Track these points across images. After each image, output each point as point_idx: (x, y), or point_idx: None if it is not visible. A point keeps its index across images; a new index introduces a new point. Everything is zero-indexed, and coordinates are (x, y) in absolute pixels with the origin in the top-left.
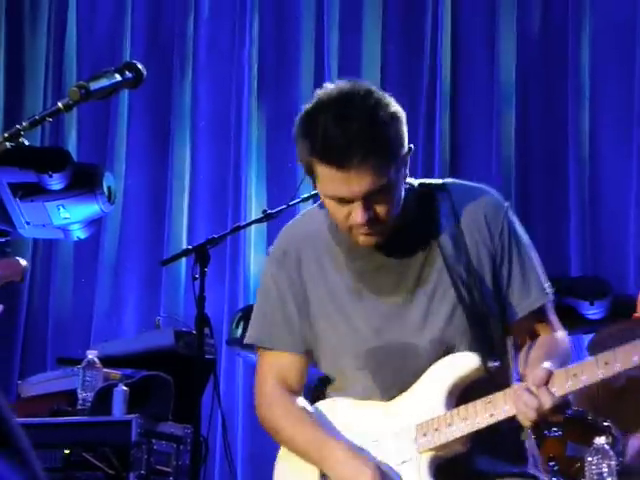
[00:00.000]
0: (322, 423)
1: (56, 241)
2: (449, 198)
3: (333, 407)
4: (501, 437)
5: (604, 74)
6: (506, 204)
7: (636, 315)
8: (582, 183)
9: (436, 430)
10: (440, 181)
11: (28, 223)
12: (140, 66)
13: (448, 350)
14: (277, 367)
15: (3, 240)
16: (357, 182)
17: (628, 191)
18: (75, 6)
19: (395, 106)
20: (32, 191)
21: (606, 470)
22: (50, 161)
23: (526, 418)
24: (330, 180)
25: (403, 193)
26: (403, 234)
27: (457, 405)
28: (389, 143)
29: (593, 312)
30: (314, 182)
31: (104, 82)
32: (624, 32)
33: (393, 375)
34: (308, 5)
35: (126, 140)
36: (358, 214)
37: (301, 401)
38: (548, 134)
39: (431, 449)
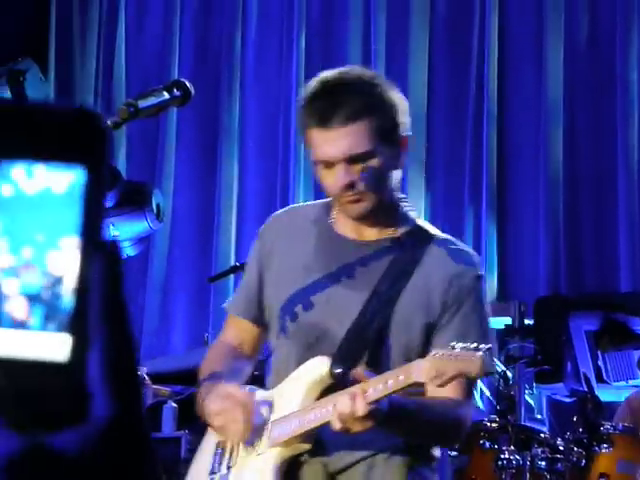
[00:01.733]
0: None
1: None
2: (430, 241)
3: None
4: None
5: None
6: (481, 273)
7: None
8: (631, 200)
9: (281, 427)
10: (435, 230)
11: None
12: (188, 84)
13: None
14: (233, 330)
15: None
16: (339, 142)
17: None
18: (124, 25)
19: (396, 93)
20: None
21: None
22: None
23: (336, 420)
24: (316, 142)
25: (394, 180)
26: (380, 241)
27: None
28: (377, 114)
29: None
30: (310, 153)
31: (152, 100)
32: None
33: (308, 352)
34: (355, 21)
35: (174, 158)
36: (340, 175)
37: (237, 356)
38: (596, 151)
39: (278, 444)
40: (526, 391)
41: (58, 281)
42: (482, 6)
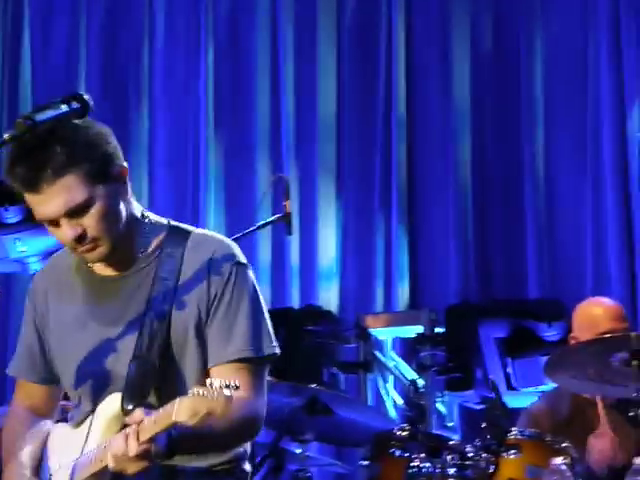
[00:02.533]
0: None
1: (13, 274)
2: (185, 242)
3: (52, 433)
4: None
5: (556, 95)
6: (240, 259)
7: (572, 335)
8: (538, 208)
9: (78, 468)
10: (188, 228)
11: None
12: (86, 97)
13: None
14: (24, 394)
15: None
16: (53, 202)
17: (584, 215)
18: (29, 38)
19: (95, 127)
20: None
21: None
22: (5, 194)
23: (111, 461)
24: (32, 205)
25: (124, 211)
26: (137, 266)
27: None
28: (82, 160)
29: (550, 334)
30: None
31: (50, 113)
32: (575, 54)
33: (97, 402)
34: (263, 34)
35: None
36: (66, 232)
37: (37, 426)
38: (503, 160)
39: None
40: (437, 399)
41: None
42: (388, 15)
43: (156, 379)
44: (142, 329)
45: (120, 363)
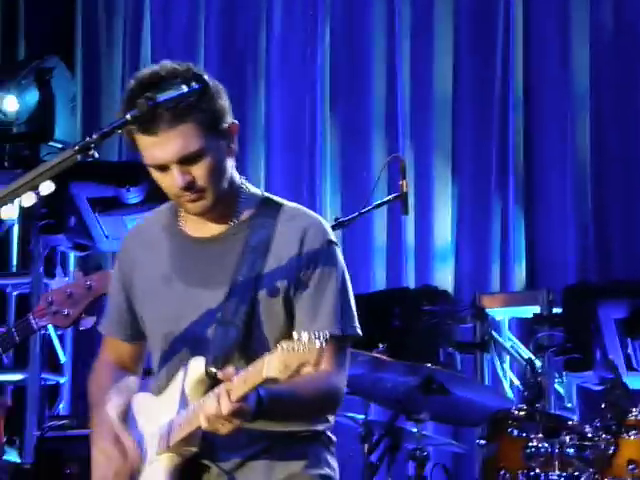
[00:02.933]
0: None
1: None
2: (278, 214)
3: (135, 401)
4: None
5: None
6: (331, 237)
7: None
8: None
9: (166, 432)
10: (282, 201)
11: (107, 237)
12: (206, 77)
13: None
14: (111, 350)
15: (83, 254)
16: (167, 146)
17: None
18: (149, 23)
19: (212, 81)
20: (110, 205)
21: None
22: (127, 175)
23: (204, 422)
24: (145, 147)
25: (229, 170)
26: (228, 232)
27: None
28: (201, 110)
29: None
30: (141, 157)
31: (171, 93)
32: None
33: (180, 364)
34: (379, 13)
35: None
36: (176, 178)
37: (121, 375)
38: (624, 138)
39: (167, 451)
40: (555, 380)
41: None
42: None
43: (240, 344)
44: (230, 294)
45: (203, 325)
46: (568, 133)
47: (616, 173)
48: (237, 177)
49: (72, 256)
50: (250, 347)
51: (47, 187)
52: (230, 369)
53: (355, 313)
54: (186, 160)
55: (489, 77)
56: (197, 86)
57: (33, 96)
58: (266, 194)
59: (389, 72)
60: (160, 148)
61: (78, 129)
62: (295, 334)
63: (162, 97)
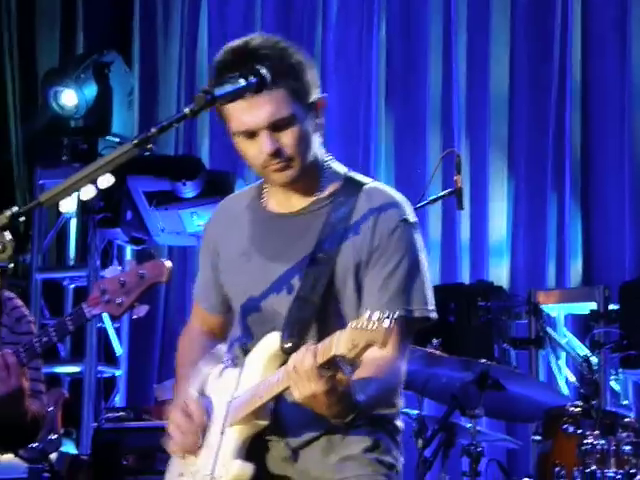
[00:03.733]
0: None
1: (190, 248)
2: (359, 192)
3: (211, 373)
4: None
5: None
6: (408, 217)
7: None
8: None
9: (239, 404)
10: (365, 179)
11: (163, 230)
12: (264, 71)
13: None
14: (199, 318)
15: (139, 248)
16: (258, 111)
17: None
18: (207, 15)
19: (304, 56)
20: (166, 199)
21: None
22: (183, 169)
23: (294, 386)
24: (234, 113)
25: (315, 143)
26: (310, 208)
27: None
28: (291, 77)
29: None
30: (228, 128)
31: (228, 87)
32: None
33: (253, 337)
34: (436, 7)
35: None
36: (265, 144)
37: (208, 343)
38: None
39: (237, 423)
40: (612, 377)
41: None
42: None
43: (316, 320)
44: (308, 270)
45: (280, 299)
46: (626, 129)
47: None
48: (323, 153)
49: (128, 249)
50: (325, 324)
51: (106, 180)
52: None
53: (430, 295)
54: (275, 126)
55: (546, 73)
56: (253, 81)
57: (91, 90)
58: (351, 172)
59: (445, 66)
60: (250, 113)
61: (135, 123)
62: (365, 313)
63: (220, 91)
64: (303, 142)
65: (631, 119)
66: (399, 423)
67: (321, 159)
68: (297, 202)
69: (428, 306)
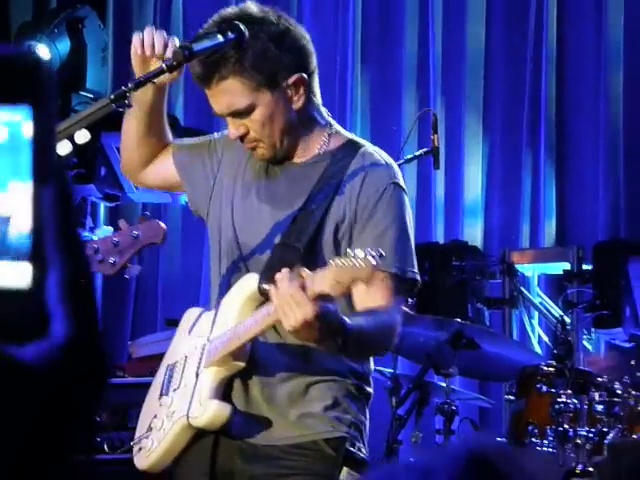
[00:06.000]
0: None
1: (164, 205)
2: (356, 152)
3: (186, 316)
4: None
5: None
6: (399, 181)
7: None
8: None
9: (216, 344)
10: (364, 143)
11: (137, 188)
12: (242, 27)
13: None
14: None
15: (113, 204)
16: (218, 100)
17: None
18: None
19: (288, 31)
20: None
21: None
22: None
23: (285, 314)
24: (209, 98)
25: (292, 118)
26: (309, 160)
27: None
28: (253, 66)
29: None
30: None
31: (206, 43)
32: None
33: (234, 275)
34: None
35: None
36: (230, 129)
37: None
38: None
39: (214, 364)
40: (584, 336)
41: (6, 220)
42: None
43: (297, 265)
44: (297, 218)
45: (264, 242)
46: (601, 90)
47: None
48: (322, 117)
49: (102, 206)
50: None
51: (82, 136)
52: (287, 271)
53: (415, 259)
54: (236, 114)
55: (522, 31)
56: (232, 36)
57: (65, 45)
58: (353, 136)
59: (421, 27)
60: (213, 102)
61: (109, 79)
62: (349, 250)
63: (198, 47)
64: (268, 125)
65: (606, 81)
66: (366, 387)
67: (313, 123)
68: (297, 156)
69: (416, 269)
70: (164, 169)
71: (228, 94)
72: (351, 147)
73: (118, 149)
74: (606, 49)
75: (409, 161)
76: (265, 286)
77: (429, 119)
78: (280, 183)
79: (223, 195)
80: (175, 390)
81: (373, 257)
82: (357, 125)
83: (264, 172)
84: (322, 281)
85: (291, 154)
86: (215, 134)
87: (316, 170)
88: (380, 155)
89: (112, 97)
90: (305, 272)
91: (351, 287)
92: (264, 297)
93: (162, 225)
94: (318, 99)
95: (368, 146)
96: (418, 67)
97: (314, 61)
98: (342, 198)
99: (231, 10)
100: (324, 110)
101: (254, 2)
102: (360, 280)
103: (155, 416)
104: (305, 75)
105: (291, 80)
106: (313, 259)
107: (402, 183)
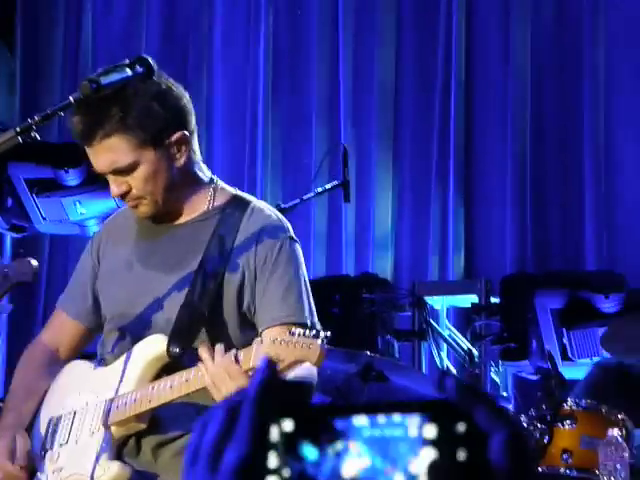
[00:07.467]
0: (55, 384)
1: (73, 236)
2: (245, 209)
3: (68, 369)
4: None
5: (620, 61)
6: (292, 234)
7: None
8: (597, 179)
9: (118, 406)
10: (250, 199)
11: (45, 219)
12: (151, 60)
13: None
14: (58, 326)
15: (20, 235)
16: (100, 158)
17: None
18: (91, 4)
19: (161, 91)
20: (48, 187)
21: (619, 463)
22: (66, 157)
23: (217, 386)
24: (89, 156)
25: (176, 174)
26: (196, 219)
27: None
28: (136, 124)
29: (608, 305)
30: None
31: (115, 76)
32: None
33: (131, 346)
34: (323, 2)
35: None
36: (112, 187)
37: (47, 362)
38: (563, 127)
39: (114, 424)
40: (492, 368)
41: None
42: None
43: (204, 327)
44: (196, 279)
45: (161, 308)
46: (508, 122)
47: (555, 165)
48: (205, 174)
49: (8, 238)
50: (213, 331)
51: None
52: (220, 346)
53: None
54: (119, 172)
55: (431, 65)
56: (140, 70)
57: None
58: (237, 191)
59: (331, 59)
60: (94, 159)
61: (16, 108)
62: (290, 329)
63: (105, 80)
64: (151, 182)
65: (513, 113)
66: None
67: (196, 180)
68: (183, 216)
69: (317, 320)
70: (87, 332)
71: (111, 151)
72: (239, 203)
73: (25, 180)
74: (513, 80)
75: (320, 194)
76: (175, 349)
77: (340, 150)
78: (168, 246)
79: (111, 275)
80: (62, 445)
81: (317, 337)
82: (268, 157)
83: (146, 241)
84: (257, 356)
85: (176, 213)
86: (91, 240)
87: (206, 228)
88: (269, 210)
89: (18, 129)
90: (237, 353)
91: (291, 367)
92: (172, 359)
93: (33, 263)
94: (199, 156)
95: (255, 201)
96: (329, 99)
97: (194, 120)
98: (239, 256)
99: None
100: (204, 167)
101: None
102: (304, 361)
103: (39, 470)
104: (187, 132)
105: (174, 138)
106: (217, 319)
107: (292, 233)
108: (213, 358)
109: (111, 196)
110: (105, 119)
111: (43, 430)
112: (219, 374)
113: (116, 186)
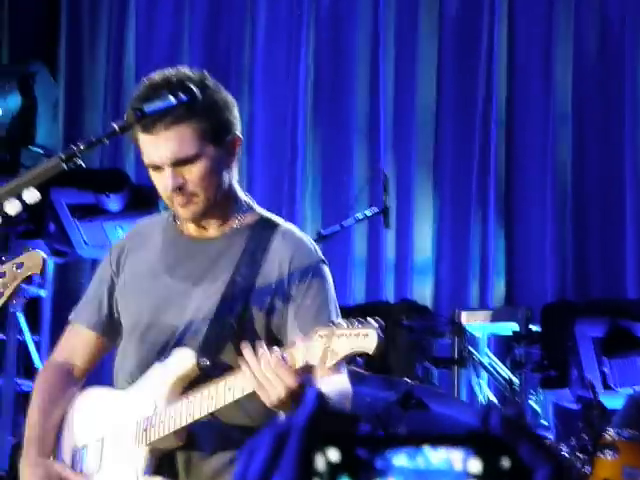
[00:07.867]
0: (72, 413)
1: None
2: (274, 230)
3: (85, 396)
4: (223, 438)
5: None
6: (321, 257)
7: None
8: (639, 206)
9: (157, 424)
10: (279, 220)
11: (87, 243)
12: (195, 88)
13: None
14: (72, 340)
15: (62, 260)
16: (163, 147)
17: None
18: (134, 30)
19: (224, 94)
20: (90, 212)
21: None
22: (108, 182)
23: (267, 388)
24: (143, 145)
25: (226, 179)
26: (225, 235)
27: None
28: (201, 116)
29: None
30: (142, 156)
31: (158, 104)
32: None
33: (155, 356)
34: (364, 23)
35: None
36: (167, 180)
37: (63, 384)
38: (604, 158)
39: (149, 444)
40: (532, 397)
41: None
42: (491, 12)
43: (231, 341)
44: (226, 293)
45: (188, 320)
46: (549, 151)
47: (596, 192)
48: (240, 192)
49: (51, 262)
50: (240, 345)
51: (33, 195)
52: (263, 345)
53: None
54: (179, 163)
55: (472, 92)
56: (184, 98)
57: (15, 101)
58: (266, 213)
59: (372, 84)
60: (155, 148)
61: (60, 135)
62: (333, 321)
63: (149, 108)
64: (207, 179)
65: (554, 143)
66: None
67: (235, 194)
68: (212, 229)
69: None
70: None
71: (176, 140)
72: (267, 224)
73: (67, 205)
74: (554, 107)
75: (360, 220)
76: (204, 361)
77: (380, 176)
78: (196, 258)
79: (133, 284)
80: (96, 473)
81: (373, 328)
82: (308, 182)
83: (172, 252)
84: (309, 354)
85: (208, 224)
86: (109, 251)
87: (236, 244)
88: (299, 232)
89: (63, 156)
90: (280, 351)
91: (345, 359)
92: (202, 372)
93: (42, 255)
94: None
95: (283, 223)
96: (369, 127)
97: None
98: (269, 275)
99: (170, 72)
100: (237, 184)
101: (187, 67)
102: (361, 351)
103: None
104: (241, 137)
105: (231, 139)
106: (244, 335)
107: (321, 255)
108: (258, 360)
109: (161, 194)
110: (175, 106)
111: (68, 460)
112: (267, 376)
113: (173, 178)
